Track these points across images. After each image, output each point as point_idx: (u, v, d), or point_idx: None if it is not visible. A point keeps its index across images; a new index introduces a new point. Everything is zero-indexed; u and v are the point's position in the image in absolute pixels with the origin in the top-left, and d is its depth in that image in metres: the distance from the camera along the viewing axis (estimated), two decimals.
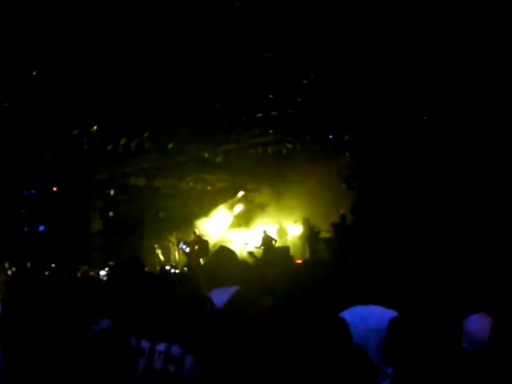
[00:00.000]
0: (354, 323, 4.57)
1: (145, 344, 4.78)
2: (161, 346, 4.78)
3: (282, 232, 23.01)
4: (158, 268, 19.37)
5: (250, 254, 14.86)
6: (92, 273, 18.28)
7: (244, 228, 23.81)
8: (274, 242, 21.47)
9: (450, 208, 14.43)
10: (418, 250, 12.23)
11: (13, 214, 20.84)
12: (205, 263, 10.20)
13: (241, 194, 24.51)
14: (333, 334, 4.28)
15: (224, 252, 6.71)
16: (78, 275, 17.25)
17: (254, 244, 20.81)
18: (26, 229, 21.41)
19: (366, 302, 5.43)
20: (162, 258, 22.16)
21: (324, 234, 20.10)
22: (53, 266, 16.51)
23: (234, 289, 5.91)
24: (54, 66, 14.87)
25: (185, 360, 4.74)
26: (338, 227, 19.35)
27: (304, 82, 16.88)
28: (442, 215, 14.48)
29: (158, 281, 7.18)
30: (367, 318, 5.06)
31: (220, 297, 5.81)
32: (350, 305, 5.43)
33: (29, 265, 16.93)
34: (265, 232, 21.75)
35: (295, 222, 22.44)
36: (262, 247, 20.58)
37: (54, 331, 5.36)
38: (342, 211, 19.54)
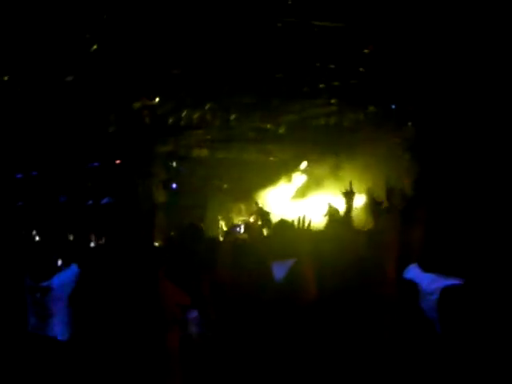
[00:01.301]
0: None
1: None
2: (193, 313, 4.82)
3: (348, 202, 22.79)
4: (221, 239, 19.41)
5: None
6: (156, 244, 18.45)
7: (307, 199, 23.72)
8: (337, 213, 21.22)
9: None
10: (483, 223, 12.02)
11: (78, 187, 21.10)
12: (267, 235, 10.18)
13: (304, 165, 24.38)
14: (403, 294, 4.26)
15: (285, 224, 6.70)
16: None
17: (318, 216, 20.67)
18: (90, 202, 21.63)
19: (428, 271, 5.39)
20: (225, 229, 22.23)
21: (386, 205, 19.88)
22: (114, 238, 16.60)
23: (292, 261, 5.90)
24: (114, 40, 14.97)
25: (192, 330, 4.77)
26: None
27: (365, 51, 16.72)
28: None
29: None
30: (427, 281, 5.00)
31: (280, 269, 5.80)
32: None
33: (93, 238, 17.11)
34: (329, 204, 21.57)
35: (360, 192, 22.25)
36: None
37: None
38: (405, 181, 19.30)
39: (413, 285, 4.53)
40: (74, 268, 6.24)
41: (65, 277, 6.20)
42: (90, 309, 5.57)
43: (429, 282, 4.98)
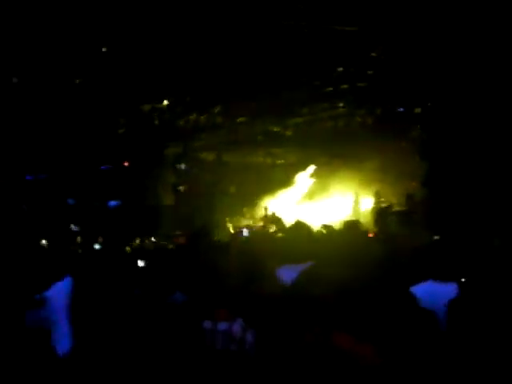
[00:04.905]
0: (423, 298, 4.54)
1: (207, 324, 4.80)
2: (222, 326, 4.78)
3: (356, 205, 22.80)
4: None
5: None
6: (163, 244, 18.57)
7: (315, 202, 23.69)
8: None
9: None
10: (491, 224, 12.00)
11: (86, 188, 21.09)
12: (279, 238, 10.11)
13: (311, 168, 24.33)
14: (404, 308, 4.25)
15: (298, 227, 6.60)
16: (149, 247, 17.53)
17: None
18: (97, 204, 21.60)
19: (435, 277, 5.38)
20: (232, 232, 22.20)
21: (395, 207, 19.90)
22: (123, 239, 16.67)
23: (304, 265, 5.83)
24: (123, 42, 15.03)
25: (246, 338, 4.74)
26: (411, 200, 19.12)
27: (372, 54, 16.77)
28: None
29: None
30: (436, 294, 4.99)
31: (290, 273, 5.75)
32: (420, 279, 5.39)
33: (100, 239, 17.15)
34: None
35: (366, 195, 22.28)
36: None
37: (132, 306, 5.42)
38: (413, 184, 19.32)
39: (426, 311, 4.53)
40: (68, 279, 6.09)
41: (62, 287, 6.07)
42: (90, 321, 5.49)
43: (428, 294, 4.98)
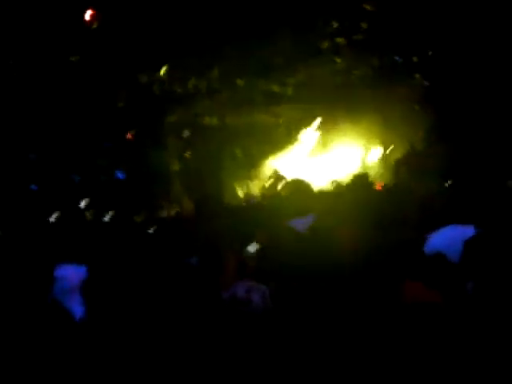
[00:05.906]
0: (444, 243, 4.53)
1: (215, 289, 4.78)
2: (226, 294, 4.76)
3: (363, 158, 22.74)
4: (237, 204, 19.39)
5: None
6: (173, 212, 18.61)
7: (321, 157, 23.65)
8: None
9: None
10: (498, 171, 11.97)
11: (91, 164, 21.09)
12: (279, 195, 10.18)
13: (315, 123, 24.24)
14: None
15: (297, 183, 6.72)
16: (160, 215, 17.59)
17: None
18: (104, 177, 21.58)
19: (452, 222, 5.39)
20: (241, 194, 22.21)
21: (403, 158, 19.86)
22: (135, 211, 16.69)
23: (309, 218, 5.92)
24: (113, 15, 14.98)
25: (251, 299, 4.70)
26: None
27: (366, 7, 16.72)
28: None
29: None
30: (456, 238, 4.98)
31: (299, 225, 5.83)
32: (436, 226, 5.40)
33: (110, 212, 17.15)
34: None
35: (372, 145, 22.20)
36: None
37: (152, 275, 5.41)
38: (420, 133, 19.27)
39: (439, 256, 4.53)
40: (83, 266, 6.04)
41: (77, 266, 6.04)
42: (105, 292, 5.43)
43: (448, 239, 4.97)
